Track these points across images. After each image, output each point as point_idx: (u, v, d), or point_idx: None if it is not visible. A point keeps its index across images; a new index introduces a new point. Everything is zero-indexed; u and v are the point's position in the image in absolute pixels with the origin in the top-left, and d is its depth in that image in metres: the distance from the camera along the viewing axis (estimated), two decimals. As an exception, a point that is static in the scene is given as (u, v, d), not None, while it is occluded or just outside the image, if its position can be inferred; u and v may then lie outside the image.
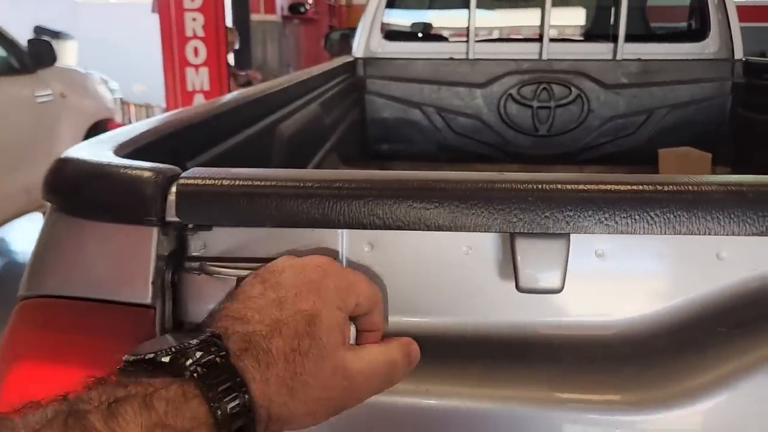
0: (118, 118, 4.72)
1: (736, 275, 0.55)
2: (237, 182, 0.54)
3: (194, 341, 0.40)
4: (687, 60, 2.46)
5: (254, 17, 7.18)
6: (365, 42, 2.59)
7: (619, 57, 2.48)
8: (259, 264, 0.57)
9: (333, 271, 0.48)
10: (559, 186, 0.52)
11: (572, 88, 2.50)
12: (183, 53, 3.78)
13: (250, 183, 0.54)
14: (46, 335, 0.54)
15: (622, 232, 0.51)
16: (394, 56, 2.59)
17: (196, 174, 0.55)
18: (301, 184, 0.53)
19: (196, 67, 3.83)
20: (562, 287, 0.53)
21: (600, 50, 2.53)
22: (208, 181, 0.54)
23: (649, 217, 0.51)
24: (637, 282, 0.56)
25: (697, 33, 2.55)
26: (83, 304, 0.54)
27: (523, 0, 3.78)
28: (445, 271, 0.57)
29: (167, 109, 3.95)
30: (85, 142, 0.67)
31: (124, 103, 5.87)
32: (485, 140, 2.59)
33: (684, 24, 2.88)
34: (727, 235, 0.51)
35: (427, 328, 0.57)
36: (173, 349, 0.39)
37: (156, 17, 3.99)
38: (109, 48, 7.61)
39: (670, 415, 0.51)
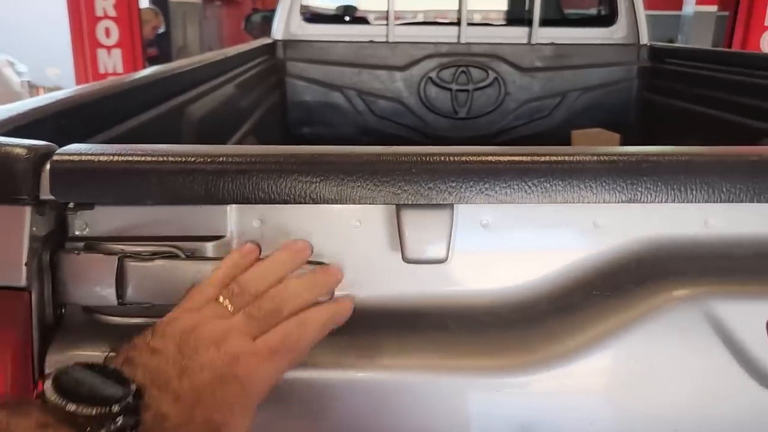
0: (26, 103, 4.45)
1: (611, 242, 0.58)
2: (115, 158, 0.52)
3: (117, 407, 0.39)
4: (596, 44, 2.56)
5: (173, -3, 6.91)
6: (284, 24, 2.54)
7: (533, 41, 2.55)
8: (146, 243, 0.56)
9: (251, 378, 0.48)
10: (442, 158, 0.53)
11: (489, 72, 2.55)
12: (93, 34, 3.61)
13: (129, 158, 0.52)
14: None
15: (502, 202, 0.53)
16: (314, 39, 2.56)
17: (71, 150, 0.53)
18: (183, 159, 0.52)
19: (108, 48, 3.66)
20: (447, 257, 0.55)
21: (516, 34, 2.59)
22: (84, 158, 0.52)
23: (526, 186, 0.52)
24: (520, 251, 0.58)
25: (606, 18, 2.64)
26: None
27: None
28: (337, 244, 0.57)
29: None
30: None
31: (33, 87, 5.53)
32: (406, 123, 2.61)
33: (594, 10, 2.99)
34: (600, 203, 0.54)
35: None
36: (99, 409, 0.39)
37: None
38: (20, 30, 7.15)
39: (552, 374, 0.54)
